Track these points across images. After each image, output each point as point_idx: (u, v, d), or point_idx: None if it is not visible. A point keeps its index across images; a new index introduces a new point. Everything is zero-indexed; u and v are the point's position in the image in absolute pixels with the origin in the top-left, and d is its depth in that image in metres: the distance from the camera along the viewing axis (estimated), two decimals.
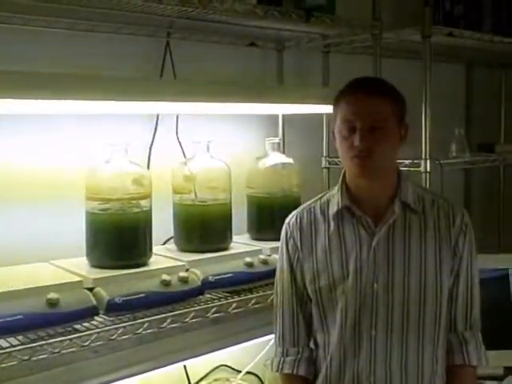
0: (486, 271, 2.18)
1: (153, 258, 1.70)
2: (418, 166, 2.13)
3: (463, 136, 2.64)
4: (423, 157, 2.13)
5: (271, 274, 1.67)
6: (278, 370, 1.57)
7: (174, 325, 1.55)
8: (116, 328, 1.46)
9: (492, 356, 1.58)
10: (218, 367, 2.12)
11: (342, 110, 1.45)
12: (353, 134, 1.42)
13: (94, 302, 1.46)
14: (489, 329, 1.61)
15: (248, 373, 2.16)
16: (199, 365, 2.02)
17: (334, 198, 1.53)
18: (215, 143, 1.88)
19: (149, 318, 1.51)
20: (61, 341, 1.37)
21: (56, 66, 1.69)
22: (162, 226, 1.83)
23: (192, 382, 2.05)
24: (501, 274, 2.29)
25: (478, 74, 3.15)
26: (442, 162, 2.23)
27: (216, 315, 1.64)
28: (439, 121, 2.23)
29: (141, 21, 1.81)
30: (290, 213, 1.60)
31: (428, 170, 2.13)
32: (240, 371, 2.15)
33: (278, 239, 1.61)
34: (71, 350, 1.39)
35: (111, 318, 1.48)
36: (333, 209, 1.52)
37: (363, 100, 1.43)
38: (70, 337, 1.39)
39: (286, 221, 1.59)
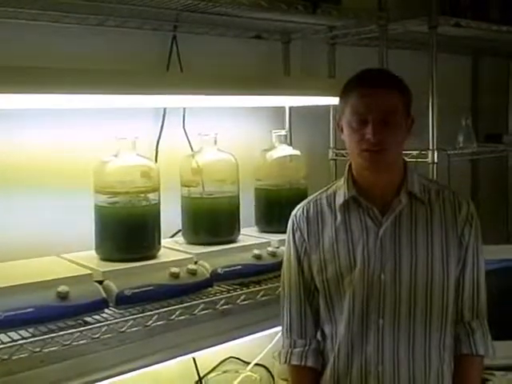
0: (494, 262, 2.18)
1: (161, 251, 1.70)
2: (425, 156, 2.12)
3: (470, 126, 2.62)
4: (430, 148, 2.12)
5: (279, 266, 1.67)
6: (286, 362, 1.57)
7: (182, 317, 1.56)
8: (125, 320, 1.47)
9: (501, 346, 1.58)
10: (226, 359, 2.13)
11: (352, 102, 1.43)
12: (363, 126, 1.41)
13: (104, 294, 1.47)
14: (498, 319, 1.61)
15: (257, 364, 2.17)
16: (208, 357, 2.03)
17: (341, 190, 1.53)
18: (222, 136, 1.89)
19: (158, 311, 1.53)
20: (71, 333, 1.39)
21: (64, 60, 1.69)
22: (170, 218, 1.83)
23: (201, 373, 2.06)
24: (509, 264, 2.29)
25: (485, 64, 3.12)
26: (449, 152, 2.22)
27: (225, 307, 1.65)
28: (446, 111, 2.22)
29: (147, 14, 1.81)
30: (298, 205, 1.60)
31: (435, 160, 2.12)
32: (249, 363, 2.16)
33: (286, 231, 1.61)
34: (81, 342, 1.40)
35: (121, 311, 1.49)
36: (339, 200, 1.52)
37: (375, 92, 1.42)
38: (80, 329, 1.40)
39: (293, 213, 1.59)
